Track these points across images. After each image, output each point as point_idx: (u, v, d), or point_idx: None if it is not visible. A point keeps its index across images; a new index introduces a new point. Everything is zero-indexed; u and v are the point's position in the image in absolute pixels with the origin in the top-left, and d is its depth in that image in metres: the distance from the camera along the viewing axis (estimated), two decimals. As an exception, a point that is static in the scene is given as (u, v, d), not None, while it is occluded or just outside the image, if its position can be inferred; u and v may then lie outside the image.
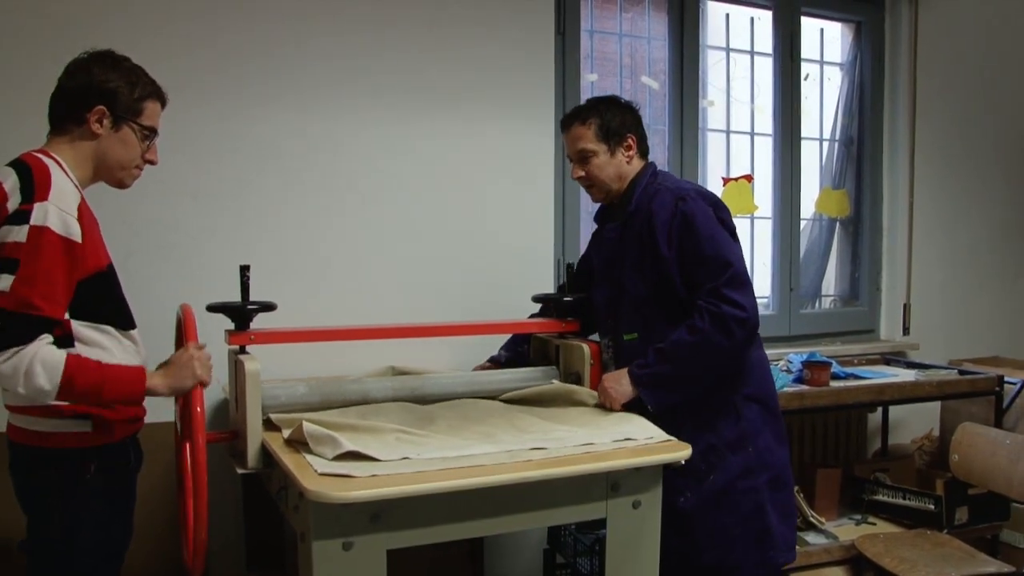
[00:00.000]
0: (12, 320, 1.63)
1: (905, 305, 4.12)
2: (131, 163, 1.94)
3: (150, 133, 1.95)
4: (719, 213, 2.30)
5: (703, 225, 2.25)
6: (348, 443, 1.85)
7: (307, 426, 1.93)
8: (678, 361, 2.21)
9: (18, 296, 1.64)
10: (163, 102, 2.00)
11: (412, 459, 1.86)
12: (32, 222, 1.68)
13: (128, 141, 1.91)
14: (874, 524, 3.34)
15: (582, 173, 2.44)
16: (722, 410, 2.27)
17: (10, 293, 1.64)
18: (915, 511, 3.30)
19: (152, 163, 2.00)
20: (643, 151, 2.47)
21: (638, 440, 2.08)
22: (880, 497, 3.43)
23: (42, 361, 1.63)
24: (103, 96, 1.85)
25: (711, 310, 2.18)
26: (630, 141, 2.41)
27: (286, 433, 2.03)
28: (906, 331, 4.12)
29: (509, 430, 2.13)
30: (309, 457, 1.86)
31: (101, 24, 2.63)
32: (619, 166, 2.41)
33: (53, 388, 1.65)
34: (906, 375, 3.52)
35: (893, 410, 3.92)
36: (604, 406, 2.31)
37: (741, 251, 2.34)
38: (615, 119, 2.40)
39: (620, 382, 2.28)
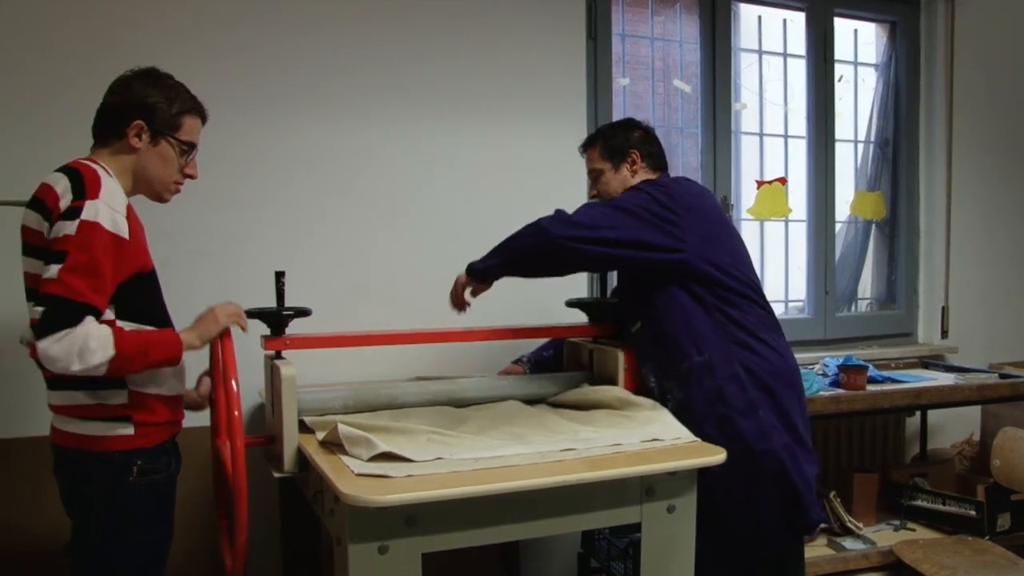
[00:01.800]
0: (60, 305, 1.68)
1: (943, 308, 4.06)
2: (169, 177, 1.97)
3: (189, 148, 1.99)
4: (663, 193, 2.31)
5: (622, 195, 2.39)
6: (383, 444, 1.87)
7: (342, 428, 1.95)
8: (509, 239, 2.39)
9: (65, 283, 1.69)
10: (203, 118, 2.03)
11: (445, 459, 1.88)
12: (83, 217, 1.73)
13: (166, 156, 1.95)
14: (913, 530, 3.30)
15: (594, 192, 2.57)
16: (729, 380, 2.26)
17: (57, 280, 1.69)
18: (955, 517, 3.25)
19: (192, 177, 2.04)
20: (654, 166, 2.52)
21: (665, 440, 2.09)
22: (919, 502, 3.38)
23: (95, 338, 1.68)
24: (142, 111, 1.90)
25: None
26: (634, 156, 2.49)
27: (320, 435, 2.05)
28: (944, 334, 4.07)
29: (539, 430, 2.14)
30: (345, 459, 1.88)
31: (137, 36, 2.69)
32: (624, 180, 2.48)
33: (107, 360, 1.70)
34: (945, 379, 3.47)
35: (932, 414, 3.87)
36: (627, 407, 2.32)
37: (632, 234, 2.26)
38: (618, 137, 2.51)
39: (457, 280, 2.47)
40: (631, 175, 2.49)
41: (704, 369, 2.27)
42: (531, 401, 2.45)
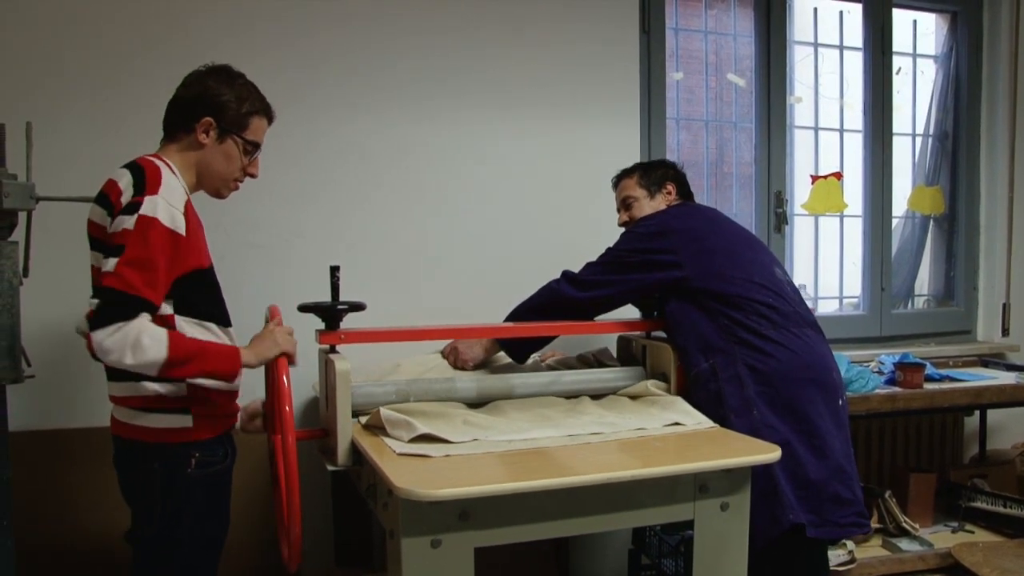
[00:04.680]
0: (115, 298, 1.69)
1: (1004, 305, 3.97)
2: (230, 175, 2.01)
3: (253, 148, 2.02)
4: (661, 236, 2.46)
5: (632, 226, 2.61)
6: (422, 426, 1.96)
7: (384, 411, 2.04)
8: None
9: (121, 276, 1.71)
10: (270, 119, 2.07)
11: (481, 440, 1.98)
12: (141, 212, 1.75)
13: (230, 154, 1.98)
14: (972, 532, 3.24)
15: (626, 219, 2.72)
16: (728, 381, 2.32)
17: (114, 274, 1.71)
18: (1017, 520, 3.18)
19: (253, 176, 2.07)
20: (684, 196, 2.72)
21: (687, 426, 2.18)
22: (978, 504, 3.31)
23: (149, 334, 1.69)
24: (212, 108, 1.93)
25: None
26: (670, 187, 2.69)
27: (363, 419, 2.11)
28: (1005, 332, 3.97)
29: (568, 414, 2.24)
30: (387, 440, 1.97)
31: (186, 32, 2.74)
32: (656, 208, 2.66)
33: (161, 359, 1.70)
34: (1006, 378, 3.40)
35: (992, 414, 3.78)
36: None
37: (630, 281, 2.46)
38: (656, 171, 2.72)
39: (472, 347, 2.58)
40: (664, 204, 2.67)
41: (709, 374, 2.35)
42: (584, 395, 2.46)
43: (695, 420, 2.22)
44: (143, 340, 1.68)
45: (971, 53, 3.97)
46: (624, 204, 2.73)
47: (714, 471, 1.96)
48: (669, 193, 2.69)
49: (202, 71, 1.98)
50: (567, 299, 2.48)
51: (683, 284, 2.41)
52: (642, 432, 2.12)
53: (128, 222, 1.75)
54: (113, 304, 1.69)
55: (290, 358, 1.96)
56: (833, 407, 2.36)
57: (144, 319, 1.71)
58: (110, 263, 1.72)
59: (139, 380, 1.84)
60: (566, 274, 2.53)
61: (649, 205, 2.67)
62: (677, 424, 2.19)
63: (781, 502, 2.21)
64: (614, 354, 2.77)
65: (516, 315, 2.55)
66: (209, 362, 1.80)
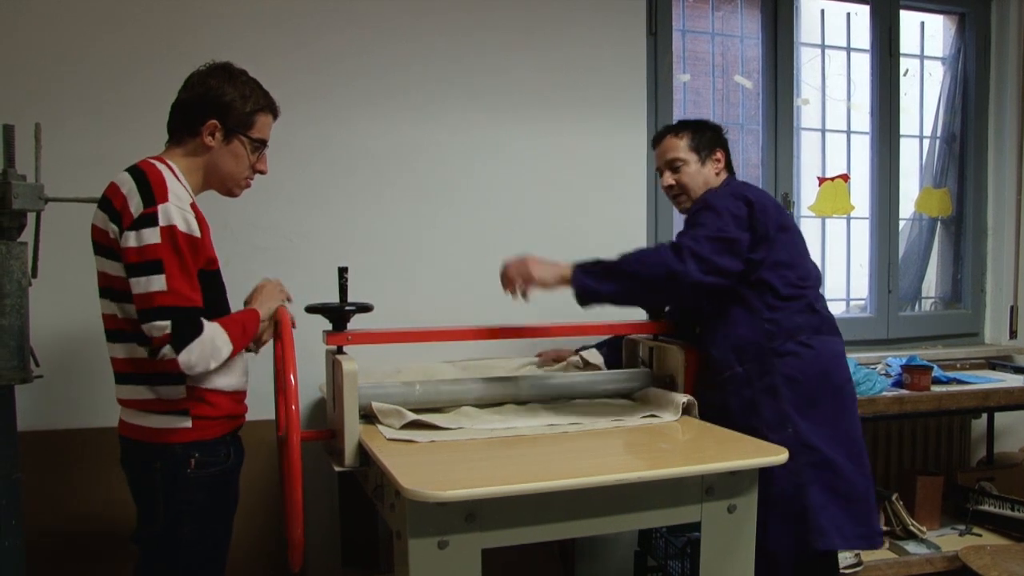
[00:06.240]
0: (183, 315, 1.75)
1: (1012, 307, 3.96)
2: (240, 175, 2.02)
3: (260, 145, 2.02)
4: (749, 208, 2.28)
5: (711, 198, 2.34)
6: (411, 414, 2.13)
7: (375, 404, 2.16)
8: (625, 259, 2.21)
9: (177, 293, 1.75)
10: (275, 115, 2.07)
11: (466, 428, 2.12)
12: (161, 224, 1.76)
13: (238, 153, 1.98)
14: (979, 535, 3.23)
15: (672, 181, 2.50)
16: (764, 392, 2.27)
17: (169, 291, 1.74)
18: (1024, 523, 3.18)
19: (262, 173, 2.07)
20: (729, 167, 2.55)
21: (663, 418, 2.25)
22: (986, 507, 3.30)
23: (216, 336, 1.82)
24: (217, 109, 1.92)
25: (677, 240, 2.24)
26: (719, 155, 2.50)
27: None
28: (1013, 335, 3.96)
29: (555, 409, 2.35)
30: (380, 427, 2.11)
31: (194, 34, 2.75)
32: (707, 176, 2.48)
33: (231, 350, 1.86)
34: (1014, 380, 3.39)
35: (999, 417, 3.77)
36: None
37: (748, 236, 2.25)
38: (706, 134, 2.50)
39: (545, 267, 2.23)
40: (715, 173, 2.49)
41: (743, 380, 2.30)
42: (592, 397, 2.47)
43: (669, 414, 2.25)
44: (217, 343, 1.81)
45: (979, 55, 3.97)
46: (671, 166, 2.49)
47: (721, 473, 1.96)
48: (718, 160, 2.50)
49: (203, 71, 1.96)
50: (688, 283, 2.18)
51: (744, 273, 2.27)
52: (619, 423, 2.20)
53: (153, 235, 1.76)
54: (183, 323, 1.75)
55: (288, 298, 2.15)
56: (856, 411, 2.35)
57: (207, 325, 1.79)
58: (159, 280, 1.74)
59: (141, 384, 1.86)
60: (687, 247, 2.19)
61: (700, 173, 2.47)
62: (652, 416, 2.26)
63: (809, 526, 2.18)
64: (605, 355, 2.78)
65: (618, 276, 2.21)
66: (248, 332, 1.95)
